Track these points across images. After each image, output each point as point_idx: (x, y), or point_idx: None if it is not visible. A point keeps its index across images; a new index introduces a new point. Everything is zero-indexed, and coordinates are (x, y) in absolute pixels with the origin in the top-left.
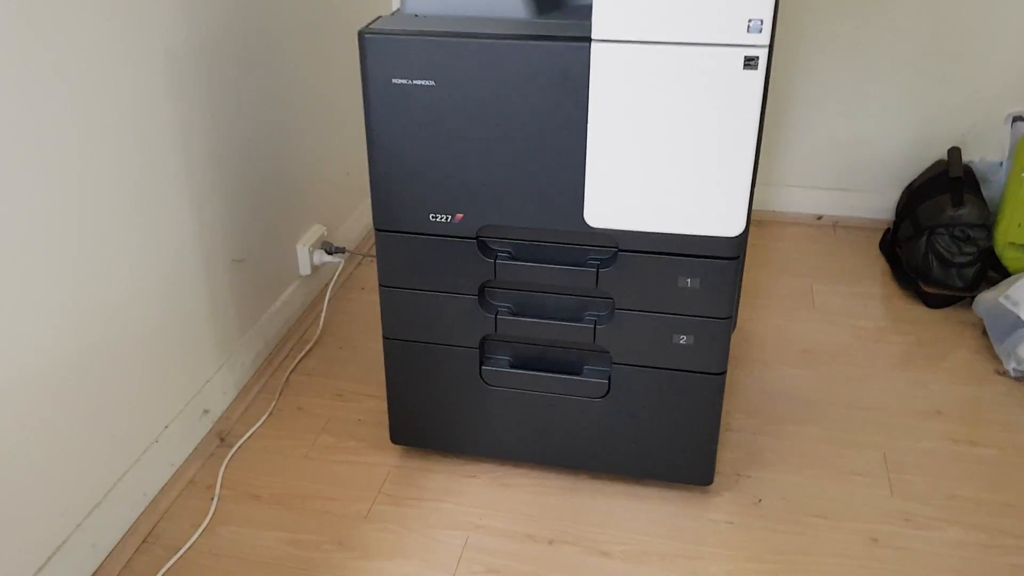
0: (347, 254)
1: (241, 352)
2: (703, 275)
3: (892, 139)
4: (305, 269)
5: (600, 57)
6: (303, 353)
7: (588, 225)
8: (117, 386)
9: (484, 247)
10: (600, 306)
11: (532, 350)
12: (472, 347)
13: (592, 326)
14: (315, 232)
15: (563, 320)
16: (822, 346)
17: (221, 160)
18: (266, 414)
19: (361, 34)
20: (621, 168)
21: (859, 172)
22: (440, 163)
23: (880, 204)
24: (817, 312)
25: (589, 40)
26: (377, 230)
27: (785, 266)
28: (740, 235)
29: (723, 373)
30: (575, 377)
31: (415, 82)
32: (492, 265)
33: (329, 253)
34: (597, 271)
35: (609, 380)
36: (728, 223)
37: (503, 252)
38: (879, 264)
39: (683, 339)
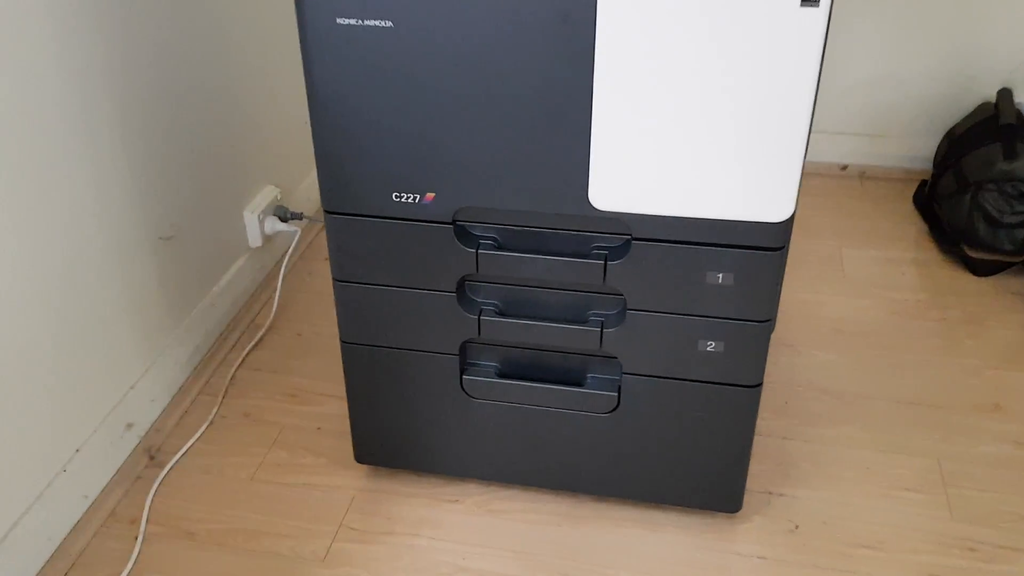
0: (306, 220)
1: (174, 348)
2: (738, 269)
3: (929, 76)
4: (255, 240)
5: None
6: (253, 343)
7: (594, 208)
8: (8, 408)
9: (463, 234)
10: (608, 305)
11: (524, 355)
12: (451, 353)
13: (598, 329)
14: (266, 195)
15: (562, 322)
16: (856, 324)
17: (134, 112)
18: (206, 423)
19: None
20: (636, 136)
21: (890, 115)
22: (403, 128)
23: (914, 152)
24: (848, 282)
25: None
26: (327, 212)
27: (808, 226)
28: (787, 220)
29: (758, 386)
30: (577, 389)
31: (367, 22)
32: (473, 256)
33: (284, 220)
34: (605, 263)
35: (619, 392)
36: (773, 205)
37: (486, 240)
38: (914, 222)
39: (711, 345)
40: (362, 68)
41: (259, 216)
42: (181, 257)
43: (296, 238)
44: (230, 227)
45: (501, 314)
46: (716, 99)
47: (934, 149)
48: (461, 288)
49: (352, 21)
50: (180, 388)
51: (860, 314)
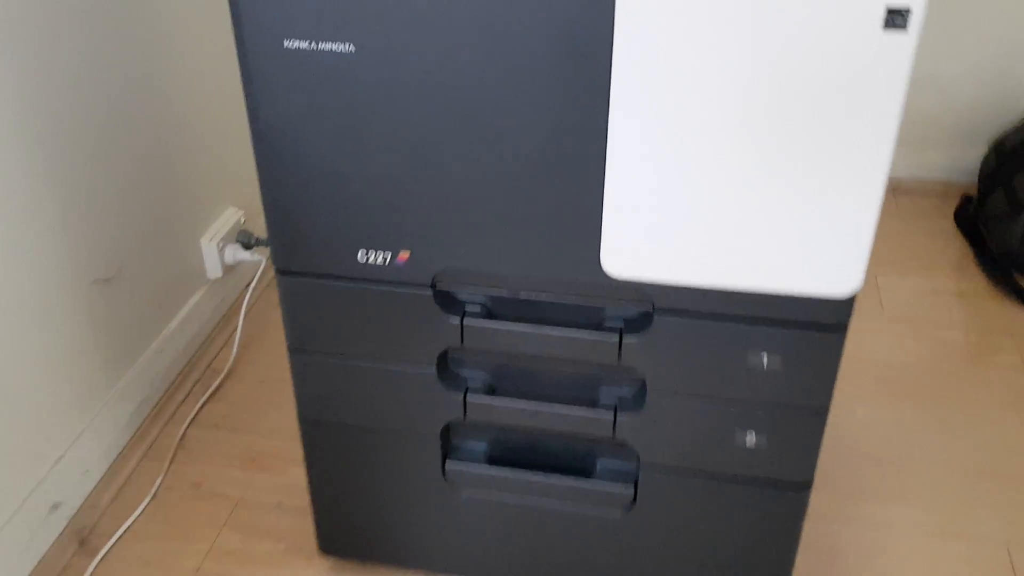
0: None
1: (113, 406)
2: (790, 351)
3: (972, 79)
4: (214, 271)
5: (632, 7)
6: (208, 393)
7: (607, 274)
8: None
9: (445, 299)
10: (623, 383)
11: (519, 437)
12: (430, 435)
13: (611, 413)
14: (227, 219)
15: (566, 403)
16: (901, 371)
17: (54, 140)
18: (148, 497)
19: None
20: (661, 187)
21: (928, 122)
22: (370, 174)
23: (955, 163)
24: (888, 317)
25: None
26: (279, 272)
27: None
28: (854, 293)
29: (808, 486)
30: (585, 480)
31: (324, 46)
32: (457, 326)
33: (248, 247)
34: (620, 338)
35: (635, 486)
36: (839, 276)
37: (473, 306)
38: (956, 244)
39: (751, 437)
40: (318, 102)
41: (218, 244)
42: (124, 299)
43: (261, 267)
44: (184, 258)
45: (491, 391)
46: (770, 144)
47: (977, 160)
48: (443, 362)
49: (303, 45)
50: (119, 454)
51: (905, 358)
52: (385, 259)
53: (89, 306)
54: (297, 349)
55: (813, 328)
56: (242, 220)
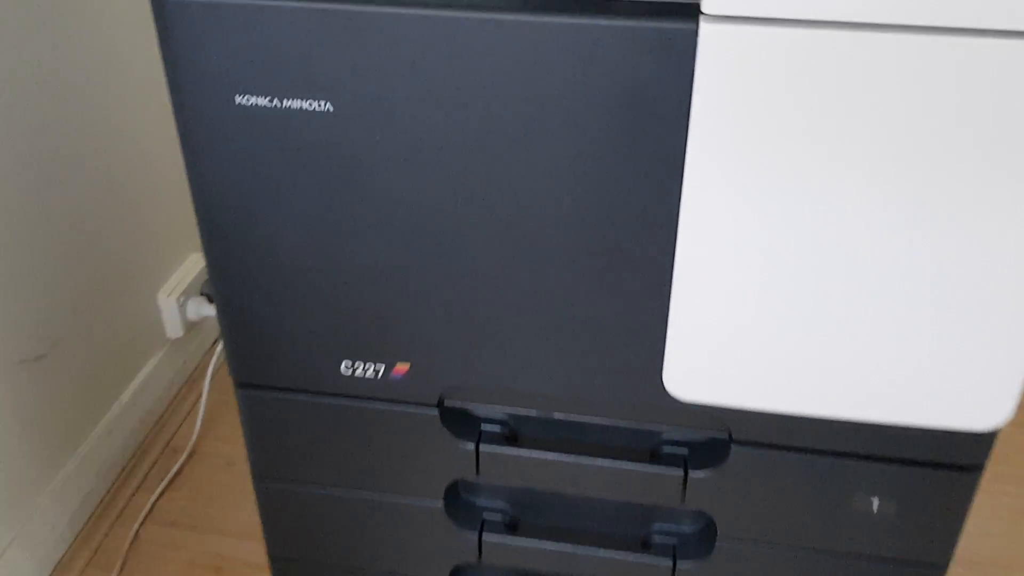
0: None
1: (49, 507)
2: (908, 494)
3: None
4: (174, 330)
5: (720, 54)
6: (167, 481)
7: (670, 395)
8: None
9: (456, 420)
10: (685, 525)
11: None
12: None
13: (670, 561)
14: (189, 268)
15: (609, 546)
16: None
17: None
18: None
19: None
20: (750, 290)
21: None
22: (355, 266)
23: None
24: None
25: (695, 15)
26: (239, 385)
27: None
28: (1000, 427)
29: None
30: None
31: (292, 104)
32: (471, 452)
33: (213, 300)
34: (685, 473)
35: None
36: (982, 405)
37: (492, 426)
38: None
39: None
40: (282, 174)
41: (178, 299)
42: (60, 377)
43: None
44: (138, 318)
45: (512, 527)
46: (900, 234)
47: None
48: (452, 493)
49: (264, 101)
50: (57, 565)
51: None
52: (377, 372)
53: (14, 392)
54: (264, 476)
55: (940, 467)
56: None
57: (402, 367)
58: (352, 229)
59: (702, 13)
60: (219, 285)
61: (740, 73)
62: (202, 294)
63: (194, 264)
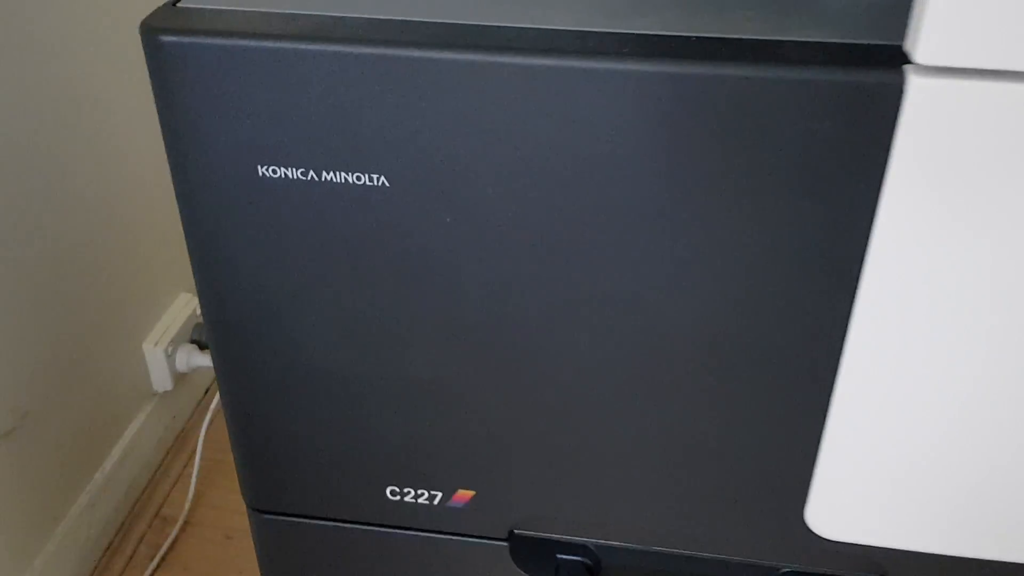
0: None
1: None
2: None
3: None
4: (162, 383)
5: (933, 116)
6: (158, 558)
7: (814, 532)
8: None
9: (530, 554)
10: None
11: None
12: None
13: None
14: (178, 311)
15: None
16: None
17: None
18: None
19: (151, 34)
20: (930, 403)
21: None
22: (408, 374)
23: None
24: None
25: (898, 65)
26: (255, 511)
27: None
28: None
29: None
30: None
31: (333, 177)
32: None
33: (205, 347)
34: None
35: None
36: None
37: (573, 561)
38: None
39: None
40: (317, 264)
41: (166, 349)
42: (34, 450)
43: None
44: (122, 373)
45: None
46: None
47: None
48: None
49: (295, 174)
50: None
51: None
52: (433, 499)
53: None
54: None
55: None
56: (197, 311)
57: (464, 494)
58: (406, 332)
59: (911, 63)
60: (232, 394)
61: (951, 140)
62: (192, 341)
63: (184, 306)
